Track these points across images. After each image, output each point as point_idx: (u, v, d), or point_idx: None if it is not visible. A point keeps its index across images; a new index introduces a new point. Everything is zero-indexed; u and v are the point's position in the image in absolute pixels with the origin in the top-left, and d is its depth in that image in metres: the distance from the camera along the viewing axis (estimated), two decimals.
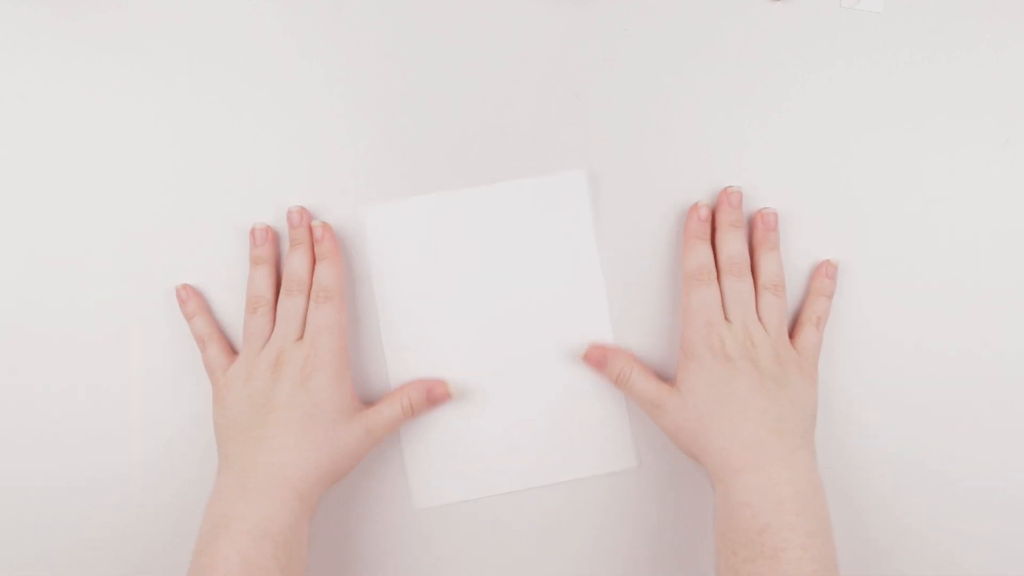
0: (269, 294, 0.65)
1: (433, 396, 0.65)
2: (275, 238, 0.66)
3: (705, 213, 0.65)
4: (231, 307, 0.67)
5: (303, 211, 0.66)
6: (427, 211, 0.67)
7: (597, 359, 0.65)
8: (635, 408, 0.67)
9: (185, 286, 0.66)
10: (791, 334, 0.65)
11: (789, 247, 0.67)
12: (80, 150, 0.67)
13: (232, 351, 0.66)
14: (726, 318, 0.63)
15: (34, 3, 0.67)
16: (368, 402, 0.66)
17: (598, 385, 0.67)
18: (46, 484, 0.67)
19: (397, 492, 0.67)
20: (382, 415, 0.64)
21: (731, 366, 0.62)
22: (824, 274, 0.65)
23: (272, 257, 0.66)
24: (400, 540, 0.67)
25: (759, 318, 0.64)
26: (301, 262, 0.65)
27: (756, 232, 0.65)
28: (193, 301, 0.66)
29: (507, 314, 0.67)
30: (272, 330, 0.65)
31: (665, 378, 0.65)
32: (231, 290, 0.67)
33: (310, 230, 0.65)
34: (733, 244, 0.64)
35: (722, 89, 0.67)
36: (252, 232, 0.66)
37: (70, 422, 0.67)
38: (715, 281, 0.64)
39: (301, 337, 0.64)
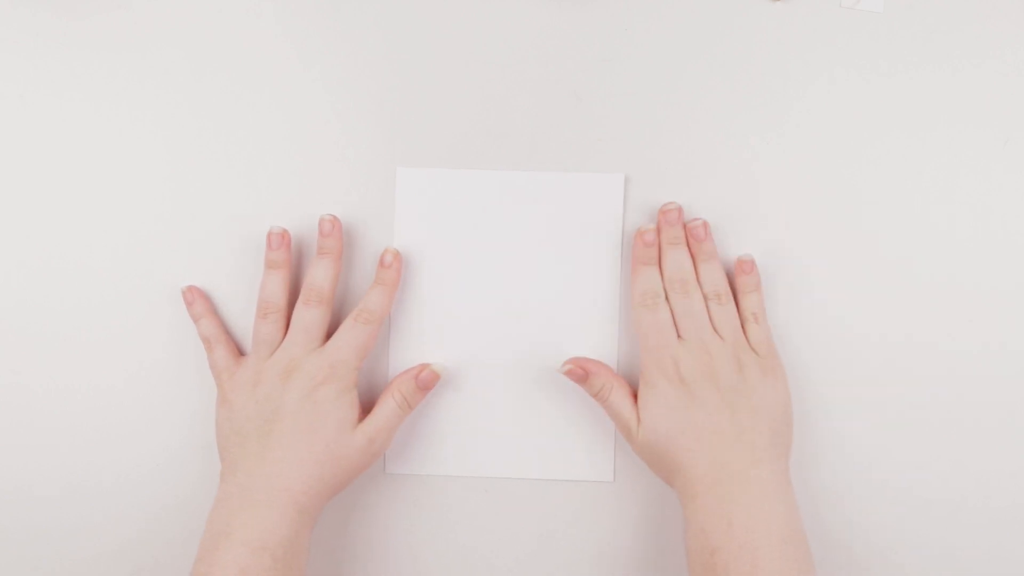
0: (282, 301, 0.64)
1: (422, 382, 0.65)
2: (290, 243, 0.66)
3: (651, 238, 0.64)
4: (232, 308, 0.67)
5: (335, 221, 0.65)
6: (460, 184, 0.67)
7: (579, 375, 0.64)
8: None
9: (191, 287, 0.66)
10: None
11: (788, 246, 0.67)
12: (80, 151, 0.67)
13: (239, 353, 0.66)
14: (680, 336, 0.63)
15: (35, 4, 0.67)
16: (369, 396, 0.66)
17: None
18: (47, 484, 0.67)
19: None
20: (379, 418, 0.64)
21: (686, 390, 0.62)
22: (742, 271, 0.65)
23: (287, 262, 0.65)
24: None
25: (714, 329, 0.64)
26: (326, 273, 0.64)
27: (691, 246, 0.65)
28: (199, 302, 0.66)
29: (516, 303, 0.67)
30: (282, 337, 0.64)
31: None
32: (232, 291, 0.67)
33: (337, 240, 0.65)
34: (675, 262, 0.64)
35: (722, 88, 0.67)
36: (269, 235, 0.65)
37: (72, 423, 0.67)
38: (662, 304, 0.64)
39: (315, 348, 0.63)
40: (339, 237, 0.65)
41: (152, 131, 0.67)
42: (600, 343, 0.67)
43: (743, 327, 0.65)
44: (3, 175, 0.67)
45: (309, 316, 0.63)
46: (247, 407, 0.63)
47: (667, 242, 0.65)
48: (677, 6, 0.67)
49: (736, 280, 0.66)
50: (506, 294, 0.67)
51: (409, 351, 0.67)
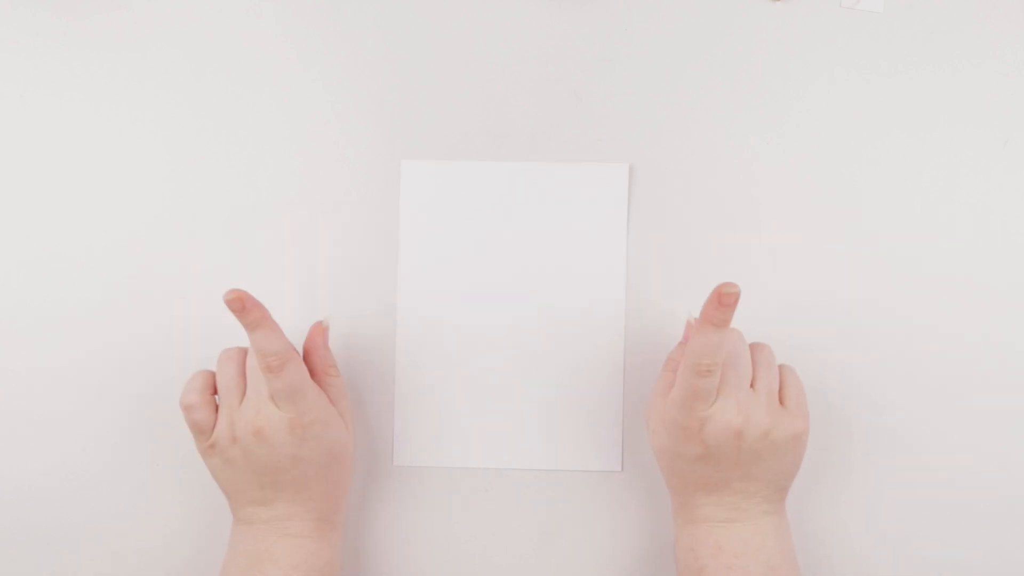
0: (236, 353, 0.61)
1: (322, 339, 0.62)
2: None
3: (732, 300, 0.55)
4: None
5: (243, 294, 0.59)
6: (465, 176, 0.67)
7: (688, 334, 0.62)
8: (630, 413, 0.67)
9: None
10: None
11: (787, 246, 0.67)
12: (80, 151, 0.67)
13: (215, 412, 0.61)
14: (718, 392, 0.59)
15: (35, 4, 0.67)
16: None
17: (599, 382, 0.67)
18: (47, 484, 0.67)
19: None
20: (345, 400, 0.63)
21: (705, 450, 0.59)
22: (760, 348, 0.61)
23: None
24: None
25: (752, 382, 0.60)
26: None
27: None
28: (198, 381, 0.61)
29: (522, 294, 0.67)
30: (243, 380, 0.61)
31: None
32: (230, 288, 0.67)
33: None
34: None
35: (722, 88, 0.67)
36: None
37: (72, 423, 0.67)
38: (717, 373, 0.57)
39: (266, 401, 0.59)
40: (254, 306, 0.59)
41: (152, 131, 0.67)
42: (606, 333, 0.67)
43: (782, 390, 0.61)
44: (3, 175, 0.67)
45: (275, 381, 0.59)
46: (237, 460, 0.60)
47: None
48: (677, 6, 0.67)
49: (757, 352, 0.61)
50: (512, 285, 0.67)
51: (416, 342, 0.67)
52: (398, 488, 0.67)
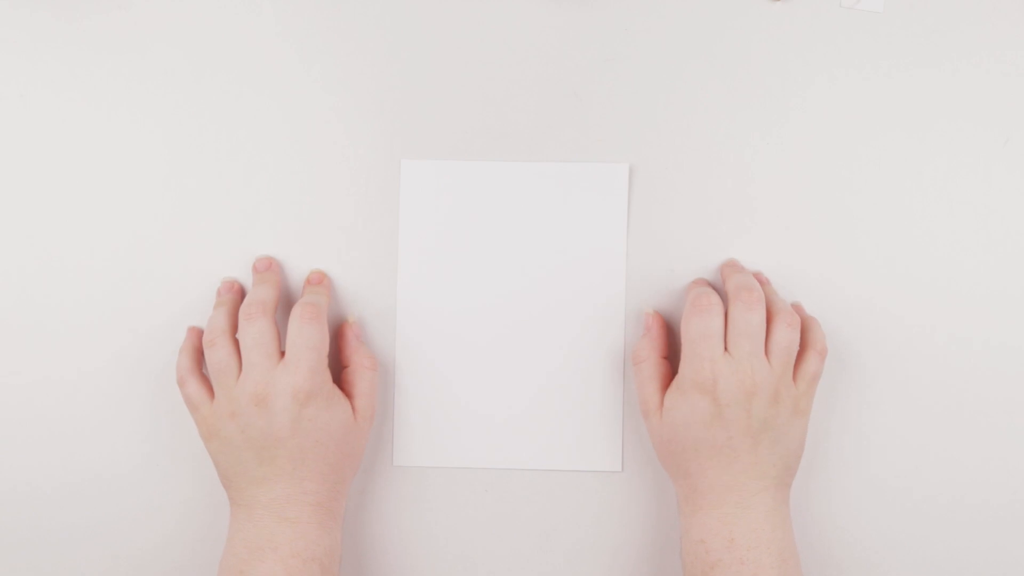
0: (226, 324, 0.63)
1: (344, 340, 0.66)
2: (240, 289, 0.66)
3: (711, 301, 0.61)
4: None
5: (271, 260, 0.66)
6: (465, 176, 0.67)
7: (647, 325, 0.65)
8: (630, 413, 0.67)
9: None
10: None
11: (787, 246, 0.67)
12: (80, 151, 0.67)
13: (210, 386, 0.63)
14: (727, 349, 0.60)
15: (34, 4, 0.67)
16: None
17: (599, 382, 0.67)
18: (48, 484, 0.67)
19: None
20: (367, 395, 0.64)
21: (717, 409, 0.60)
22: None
23: (234, 302, 0.65)
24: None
25: (766, 350, 0.61)
26: (266, 290, 0.64)
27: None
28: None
29: (522, 294, 0.67)
30: (238, 361, 0.62)
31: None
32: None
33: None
34: (745, 276, 0.63)
35: (722, 88, 0.67)
36: (220, 289, 0.66)
37: (72, 423, 0.67)
38: (716, 309, 0.61)
39: (275, 363, 0.61)
40: (277, 270, 0.66)
41: (152, 131, 0.67)
42: (606, 333, 0.67)
43: (804, 355, 0.62)
44: (3, 175, 0.67)
45: (255, 330, 0.61)
46: (235, 438, 0.61)
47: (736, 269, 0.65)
48: (677, 6, 0.67)
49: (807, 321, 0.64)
50: (512, 285, 0.67)
51: (415, 342, 0.67)
52: (398, 488, 0.67)
